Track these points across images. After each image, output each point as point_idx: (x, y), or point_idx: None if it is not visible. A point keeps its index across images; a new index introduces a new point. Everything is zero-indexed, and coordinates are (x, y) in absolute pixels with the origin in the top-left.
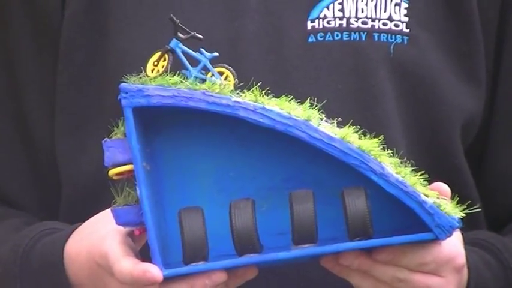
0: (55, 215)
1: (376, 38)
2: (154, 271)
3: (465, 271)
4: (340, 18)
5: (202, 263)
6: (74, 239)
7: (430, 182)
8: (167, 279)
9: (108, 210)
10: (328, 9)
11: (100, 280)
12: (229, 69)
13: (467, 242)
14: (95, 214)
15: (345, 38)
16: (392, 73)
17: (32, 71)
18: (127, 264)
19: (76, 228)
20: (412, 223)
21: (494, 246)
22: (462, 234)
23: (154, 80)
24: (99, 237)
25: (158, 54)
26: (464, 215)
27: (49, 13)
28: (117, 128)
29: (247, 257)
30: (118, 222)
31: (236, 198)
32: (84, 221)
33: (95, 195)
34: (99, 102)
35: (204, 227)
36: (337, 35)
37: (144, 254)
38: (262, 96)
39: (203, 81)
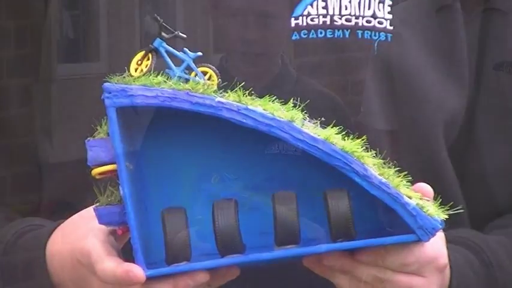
0: (37, 212)
1: (359, 36)
2: (137, 271)
3: (447, 271)
4: (324, 16)
5: (185, 263)
6: (56, 236)
7: (413, 179)
8: (150, 279)
9: (91, 208)
10: (312, 7)
11: (82, 278)
12: (212, 69)
13: (450, 241)
14: (78, 212)
15: (328, 36)
16: (376, 70)
17: (13, 68)
18: (110, 264)
19: (59, 225)
20: (395, 223)
21: (477, 245)
22: (444, 233)
23: (138, 80)
24: (81, 235)
25: (142, 53)
26: (447, 216)
27: (32, 9)
28: (101, 127)
29: (230, 258)
30: (101, 222)
31: (219, 198)
32: (66, 218)
33: (77, 193)
34: (82, 100)
35: (187, 227)
36: (321, 33)
37: (126, 254)
38: (246, 96)
39: (186, 80)
